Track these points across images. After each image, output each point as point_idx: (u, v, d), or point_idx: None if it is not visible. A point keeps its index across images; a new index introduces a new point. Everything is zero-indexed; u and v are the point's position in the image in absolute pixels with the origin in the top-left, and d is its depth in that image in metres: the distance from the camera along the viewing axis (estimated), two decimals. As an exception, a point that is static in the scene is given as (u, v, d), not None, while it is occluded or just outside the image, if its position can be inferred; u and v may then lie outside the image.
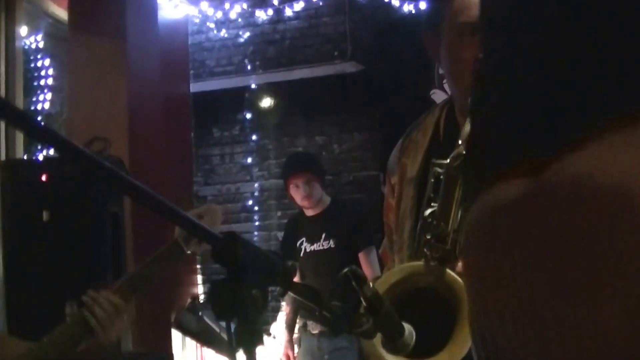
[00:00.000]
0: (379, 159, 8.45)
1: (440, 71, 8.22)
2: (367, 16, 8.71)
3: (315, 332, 5.89)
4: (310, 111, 8.84)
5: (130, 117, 5.72)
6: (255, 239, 8.90)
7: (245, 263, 1.32)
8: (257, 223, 9.07)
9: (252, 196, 9.13)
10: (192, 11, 8.88)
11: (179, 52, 7.64)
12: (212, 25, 9.28)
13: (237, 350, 1.25)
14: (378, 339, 1.93)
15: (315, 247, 5.91)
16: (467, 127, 2.09)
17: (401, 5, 8.45)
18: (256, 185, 9.13)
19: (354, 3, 8.80)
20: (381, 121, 8.49)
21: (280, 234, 7.67)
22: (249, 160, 9.19)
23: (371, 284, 1.69)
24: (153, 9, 6.51)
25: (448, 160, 2.10)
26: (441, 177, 2.11)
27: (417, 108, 2.76)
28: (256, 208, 9.14)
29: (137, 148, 5.64)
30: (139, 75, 5.98)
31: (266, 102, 9.15)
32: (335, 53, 8.80)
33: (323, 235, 5.88)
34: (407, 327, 1.85)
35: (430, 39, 2.41)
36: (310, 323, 5.94)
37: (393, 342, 1.83)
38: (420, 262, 2.12)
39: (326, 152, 8.77)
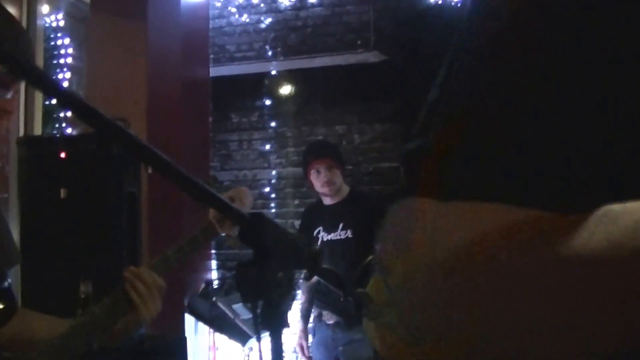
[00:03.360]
0: (399, 151, 8.38)
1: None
2: (391, 6, 8.63)
3: (331, 322, 5.85)
4: (331, 100, 8.77)
5: (149, 99, 5.69)
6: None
7: (271, 245, 1.30)
8: (273, 210, 9.00)
9: (269, 183, 9.07)
10: (214, -5, 8.83)
11: (200, 35, 7.59)
12: (233, 10, 9.23)
13: (255, 335, 1.21)
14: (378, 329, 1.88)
15: (332, 236, 5.86)
16: None
17: (427, -5, 8.36)
18: (274, 172, 9.07)
19: (378, -8, 8.70)
20: (403, 112, 8.40)
21: (296, 222, 7.61)
22: (267, 147, 9.13)
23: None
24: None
25: None
26: None
27: None
28: (273, 195, 9.08)
29: (155, 130, 5.61)
30: (159, 57, 5.95)
31: (286, 89, 9.07)
32: (358, 42, 8.74)
33: (341, 225, 5.82)
34: None
35: None
36: (325, 313, 5.89)
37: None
38: None
39: (346, 142, 8.70)
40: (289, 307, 5.38)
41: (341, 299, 1.65)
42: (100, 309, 2.49)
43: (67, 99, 1.04)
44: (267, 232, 1.30)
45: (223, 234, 3.06)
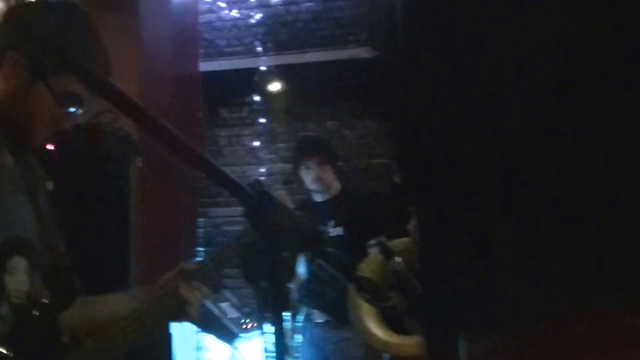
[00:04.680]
0: (392, 147, 8.33)
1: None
2: (383, 1, 8.57)
3: (320, 322, 5.79)
4: (322, 96, 8.72)
5: (140, 93, 5.64)
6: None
7: (277, 225, 1.28)
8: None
9: (259, 179, 8.98)
10: (204, -11, 8.78)
11: (190, 30, 7.54)
12: (223, 5, 9.16)
13: (239, 335, 1.22)
14: (373, 317, 1.90)
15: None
16: None
17: (420, -9, 8.27)
18: (263, 169, 8.99)
19: (370, -13, 8.63)
20: (395, 109, 8.34)
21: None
22: (257, 143, 9.06)
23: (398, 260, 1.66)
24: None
25: None
26: None
27: None
28: (262, 191, 8.99)
29: None
30: (150, 51, 5.93)
31: (277, 85, 9.01)
32: (350, 37, 8.69)
33: (332, 222, 5.76)
34: None
35: None
36: (315, 312, 5.83)
37: (415, 321, 1.80)
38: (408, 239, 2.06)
39: (337, 138, 8.64)
40: (291, 289, 5.39)
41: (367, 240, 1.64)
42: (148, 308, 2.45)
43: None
44: (274, 212, 1.28)
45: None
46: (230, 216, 8.78)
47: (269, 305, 1.24)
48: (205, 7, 9.08)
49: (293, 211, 1.32)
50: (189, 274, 2.53)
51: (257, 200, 1.28)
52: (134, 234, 4.65)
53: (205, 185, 8.53)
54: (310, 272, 5.84)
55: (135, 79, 5.64)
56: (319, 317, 5.79)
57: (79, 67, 0.99)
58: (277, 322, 1.25)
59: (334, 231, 5.74)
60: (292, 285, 5.80)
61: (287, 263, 1.21)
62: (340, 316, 5.64)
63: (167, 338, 4.88)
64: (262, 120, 9.07)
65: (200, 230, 8.72)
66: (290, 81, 8.92)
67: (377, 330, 1.91)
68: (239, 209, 5.09)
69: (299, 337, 5.95)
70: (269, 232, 1.26)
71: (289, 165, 7.33)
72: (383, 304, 1.63)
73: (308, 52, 8.80)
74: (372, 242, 1.53)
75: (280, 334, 1.25)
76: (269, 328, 1.27)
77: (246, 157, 9.11)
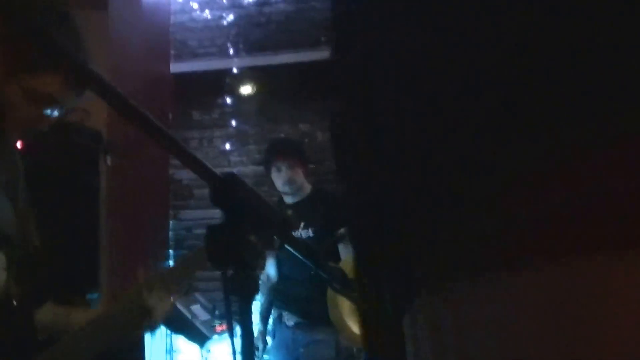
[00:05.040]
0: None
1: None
2: (357, 2, 8.54)
3: (291, 324, 5.77)
4: (294, 97, 8.68)
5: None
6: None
7: (244, 207, 1.26)
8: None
9: (230, 182, 8.92)
10: (175, -11, 8.75)
11: (161, 31, 7.51)
12: (195, 6, 9.11)
13: (210, 338, 1.19)
14: (347, 309, 1.89)
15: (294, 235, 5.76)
16: None
17: (392, -8, 8.27)
18: (234, 171, 8.93)
19: (344, -13, 8.58)
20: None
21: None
22: (228, 145, 9.01)
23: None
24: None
25: None
26: None
27: None
28: (232, 195, 8.94)
29: (115, 123, 5.54)
30: (121, 51, 5.90)
31: (249, 86, 8.96)
32: (322, 38, 8.66)
33: (302, 224, 5.74)
34: None
35: None
36: (285, 314, 5.81)
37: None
38: None
39: (309, 140, 8.61)
40: (259, 275, 5.35)
41: (312, 272, 1.61)
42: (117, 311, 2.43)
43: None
44: (240, 194, 1.26)
45: None
46: (201, 219, 8.73)
47: (235, 290, 1.20)
48: (177, 7, 9.05)
49: (260, 194, 1.29)
50: (153, 284, 2.50)
51: (223, 181, 1.26)
52: (104, 233, 4.62)
53: (176, 187, 8.50)
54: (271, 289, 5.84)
55: (105, 75, 5.61)
56: (290, 320, 5.77)
57: (69, 58, 0.97)
58: (244, 308, 1.21)
59: (304, 233, 5.72)
60: (261, 275, 5.79)
61: (255, 248, 1.17)
62: (311, 318, 5.62)
63: (139, 340, 4.83)
64: (234, 122, 9.02)
65: (171, 233, 8.69)
66: (263, 83, 8.88)
67: (354, 326, 1.89)
68: (211, 212, 5.12)
69: (269, 340, 5.93)
70: (234, 213, 1.23)
71: (260, 168, 7.29)
72: (354, 294, 1.60)
73: (280, 53, 8.76)
74: (340, 231, 1.51)
75: (246, 322, 1.21)
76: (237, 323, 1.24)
77: (217, 159, 9.06)
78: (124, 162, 5.24)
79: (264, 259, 5.68)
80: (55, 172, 4.26)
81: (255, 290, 1.23)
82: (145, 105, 5.08)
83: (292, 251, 1.47)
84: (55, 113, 2.39)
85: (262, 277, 5.89)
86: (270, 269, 5.90)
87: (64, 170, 4.29)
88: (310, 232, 5.71)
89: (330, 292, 1.69)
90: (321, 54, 8.56)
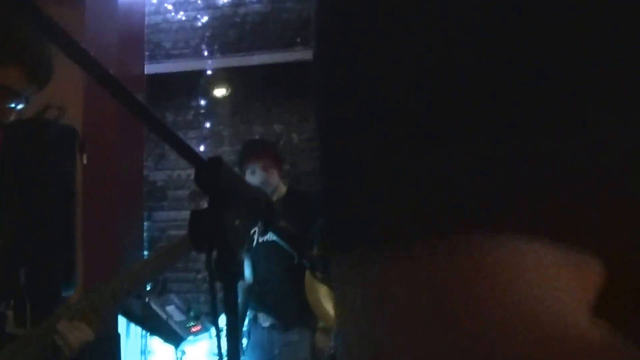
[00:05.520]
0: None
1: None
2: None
3: (266, 325, 5.76)
4: (269, 98, 8.67)
5: (83, 93, 5.60)
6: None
7: (229, 191, 1.26)
8: (206, 212, 8.85)
9: (204, 184, 8.89)
10: (150, -10, 8.72)
11: (135, 31, 7.48)
12: (170, 7, 9.10)
13: (185, 338, 1.18)
14: (325, 293, 1.89)
15: (268, 237, 5.74)
16: None
17: (368, -8, 8.29)
18: (209, 173, 8.91)
19: (318, -12, 8.59)
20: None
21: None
22: (202, 147, 8.99)
23: None
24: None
25: None
26: None
27: None
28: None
29: (90, 121, 5.53)
30: (95, 52, 5.86)
31: (223, 88, 8.94)
32: (298, 39, 8.66)
33: (275, 225, 5.71)
34: None
35: None
36: (260, 315, 5.80)
37: None
38: None
39: (284, 141, 8.61)
40: (243, 259, 5.32)
41: (295, 261, 1.60)
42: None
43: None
44: (225, 178, 1.25)
45: None
46: (175, 220, 8.72)
47: (219, 275, 1.19)
48: (152, 8, 9.02)
49: (244, 178, 1.29)
50: (72, 311, 2.48)
51: (208, 164, 1.26)
52: (79, 230, 4.61)
53: (150, 188, 8.47)
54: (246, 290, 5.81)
55: (79, 79, 5.61)
56: (265, 321, 5.76)
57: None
58: (228, 293, 1.20)
59: (277, 234, 5.70)
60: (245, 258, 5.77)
61: (239, 231, 1.16)
62: (286, 319, 5.62)
63: (114, 341, 4.82)
64: (208, 123, 8.99)
65: (145, 234, 8.66)
66: (237, 84, 8.86)
67: (332, 310, 1.88)
68: (184, 213, 5.10)
69: (244, 341, 5.92)
70: (219, 197, 1.23)
71: (235, 169, 7.28)
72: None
73: (255, 54, 8.75)
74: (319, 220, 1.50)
75: (231, 306, 1.20)
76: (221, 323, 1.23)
77: (192, 161, 9.03)
78: (100, 160, 5.22)
79: (248, 244, 5.68)
80: (30, 168, 4.25)
81: (239, 274, 1.22)
82: (119, 106, 5.10)
83: (276, 238, 1.45)
84: (19, 106, 2.37)
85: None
86: (246, 270, 5.88)
87: (39, 167, 4.27)
88: (284, 234, 5.69)
89: (308, 277, 1.69)
90: (296, 54, 8.56)
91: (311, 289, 1.85)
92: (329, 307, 1.88)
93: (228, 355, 1.25)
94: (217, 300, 1.22)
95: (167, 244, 2.90)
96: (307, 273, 1.73)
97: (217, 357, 1.23)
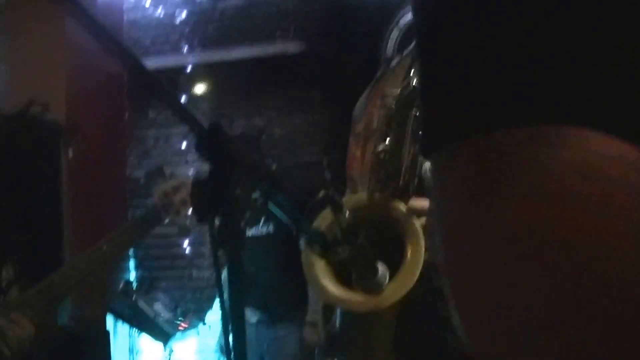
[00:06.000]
0: (321, 143, 8.32)
1: (388, 53, 8.16)
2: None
3: (253, 321, 5.74)
4: (251, 92, 8.65)
5: (66, 92, 5.60)
6: (189, 224, 8.72)
7: (229, 159, 1.25)
8: (190, 210, 8.81)
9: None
10: (128, -13, 8.69)
11: (114, 29, 7.46)
12: (148, 3, 9.06)
13: (173, 335, 1.17)
14: (322, 269, 1.89)
15: (253, 231, 5.75)
16: None
17: (348, -17, 8.30)
18: (192, 169, 8.90)
19: (298, -20, 8.60)
20: (324, 103, 8.34)
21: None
22: (185, 143, 8.96)
23: (347, 213, 1.63)
24: None
25: (399, 91, 2.04)
26: (393, 110, 2.05)
27: (361, 91, 2.63)
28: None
29: (74, 117, 5.52)
30: (75, 50, 5.89)
31: (204, 83, 8.92)
32: (278, 32, 8.64)
33: (261, 221, 5.72)
34: (381, 268, 1.84)
35: None
36: (248, 311, 5.77)
37: (365, 280, 1.81)
38: (365, 195, 2.06)
39: (266, 135, 8.58)
40: (245, 228, 5.32)
41: (293, 233, 1.62)
42: None
43: None
44: (226, 145, 1.24)
45: (167, 221, 3.08)
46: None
47: (221, 243, 1.18)
48: (130, 5, 8.99)
49: (244, 148, 1.26)
50: (10, 307, 2.47)
51: (208, 130, 1.25)
52: (66, 225, 4.61)
53: (133, 186, 8.44)
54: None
55: (61, 78, 5.60)
56: (252, 317, 5.74)
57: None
58: (232, 261, 1.19)
59: (264, 229, 5.70)
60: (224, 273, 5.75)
61: (240, 200, 1.17)
62: (273, 314, 5.61)
63: (103, 339, 4.82)
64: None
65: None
66: (218, 78, 8.84)
67: (331, 286, 1.87)
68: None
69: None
70: (219, 164, 1.22)
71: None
72: (333, 257, 1.60)
73: (235, 48, 8.72)
74: (321, 193, 1.53)
75: (236, 274, 1.19)
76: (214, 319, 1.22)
77: (174, 158, 9.01)
78: (83, 157, 5.22)
79: (250, 212, 5.69)
80: (16, 164, 4.24)
81: (243, 243, 1.21)
82: (101, 104, 5.11)
83: (274, 210, 1.44)
84: None
85: (224, 274, 5.86)
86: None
87: (24, 163, 4.26)
88: (270, 228, 5.69)
89: (305, 252, 1.70)
90: (276, 47, 8.55)
91: (308, 264, 1.85)
92: (326, 282, 1.88)
93: (233, 330, 1.29)
94: (221, 274, 1.26)
95: (111, 234, 2.94)
96: (304, 247, 1.73)
97: (223, 331, 1.21)
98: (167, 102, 1.20)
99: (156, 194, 3.33)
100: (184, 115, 1.21)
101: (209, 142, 1.24)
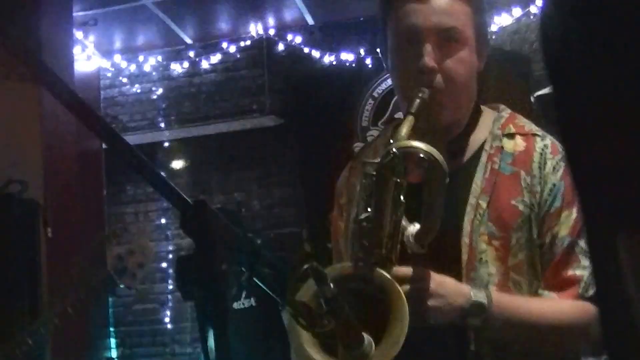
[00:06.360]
0: (301, 215, 8.35)
1: (363, 124, 8.25)
2: (286, 69, 8.65)
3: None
4: (228, 167, 8.69)
5: (43, 169, 5.60)
6: (170, 299, 8.70)
7: (215, 235, 1.25)
8: (171, 286, 8.81)
9: (167, 256, 8.86)
10: (104, 64, 8.75)
11: (92, 106, 7.48)
12: (125, 80, 9.13)
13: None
14: (308, 340, 1.91)
15: (236, 305, 5.75)
16: (404, 130, 2.08)
17: (321, 57, 8.40)
18: (171, 245, 8.88)
19: (272, 56, 8.71)
20: (302, 176, 8.38)
21: (198, 294, 7.46)
22: (164, 219, 8.96)
23: (332, 285, 1.65)
24: (69, 61, 6.49)
25: (379, 160, 2.03)
26: (373, 178, 2.04)
27: (339, 162, 2.65)
28: (171, 270, 8.88)
29: (52, 196, 5.51)
30: (52, 128, 5.89)
31: (182, 158, 8.95)
32: (254, 107, 8.71)
33: (243, 294, 5.72)
34: (367, 338, 1.83)
35: (382, 51, 2.46)
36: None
37: (351, 350, 1.80)
38: (349, 264, 2.07)
39: (245, 209, 8.60)
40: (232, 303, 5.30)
41: (280, 308, 1.63)
42: None
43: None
44: (210, 221, 1.23)
45: (122, 286, 3.08)
46: (140, 294, 8.67)
47: (209, 320, 1.19)
48: (107, 82, 9.07)
49: (229, 223, 1.28)
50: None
51: (193, 208, 1.23)
52: (44, 305, 4.58)
53: (113, 260, 8.40)
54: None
55: (38, 156, 5.60)
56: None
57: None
58: (219, 338, 1.19)
59: (247, 302, 5.70)
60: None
61: (227, 276, 1.18)
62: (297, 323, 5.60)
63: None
64: (169, 195, 8.94)
65: (110, 310, 8.60)
66: (195, 153, 8.88)
67: (318, 357, 1.88)
68: (149, 287, 5.00)
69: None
70: (204, 241, 1.21)
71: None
72: (319, 330, 1.62)
73: (212, 123, 8.78)
74: (305, 266, 1.53)
75: (223, 351, 1.19)
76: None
77: (154, 234, 8.99)
78: (61, 234, 5.20)
79: (236, 288, 5.69)
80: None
81: (227, 318, 1.23)
82: (79, 181, 5.09)
83: (260, 283, 1.46)
84: None
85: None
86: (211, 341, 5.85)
87: (2, 241, 4.25)
88: (252, 302, 5.70)
89: (291, 324, 1.71)
90: (253, 122, 8.61)
91: (294, 335, 1.86)
92: (312, 351, 1.88)
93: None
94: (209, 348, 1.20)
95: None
96: (289, 319, 1.74)
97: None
98: (150, 179, 1.19)
99: (109, 258, 3.36)
100: (168, 191, 1.22)
101: (194, 218, 1.23)
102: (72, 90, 1.18)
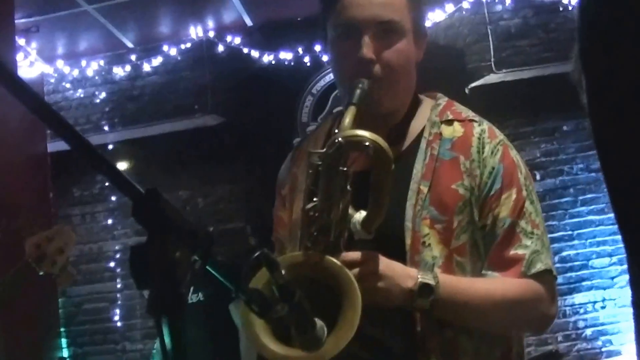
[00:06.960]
0: (244, 210, 8.45)
1: (303, 119, 8.35)
2: (226, 69, 8.71)
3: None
4: (173, 166, 8.71)
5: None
6: (119, 297, 8.72)
7: (168, 223, 1.23)
8: (119, 284, 8.84)
9: (115, 255, 8.90)
10: (47, 70, 8.74)
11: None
12: (68, 85, 9.14)
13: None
14: (261, 328, 1.92)
15: (192, 298, 5.78)
16: (347, 120, 2.13)
17: (261, 56, 8.53)
18: (119, 245, 8.92)
19: (212, 56, 8.81)
20: (245, 172, 8.45)
21: (146, 293, 7.50)
22: (110, 219, 8.99)
23: (283, 272, 1.66)
24: (12, 67, 6.43)
25: (325, 149, 2.08)
26: (319, 167, 2.09)
27: (280, 158, 2.75)
28: (119, 269, 8.91)
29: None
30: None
31: (127, 159, 8.97)
32: (196, 106, 8.77)
33: (191, 289, 5.76)
34: (319, 322, 1.84)
35: (323, 45, 2.53)
36: None
37: (304, 335, 1.82)
38: (299, 252, 2.12)
39: (190, 207, 8.66)
40: (187, 291, 5.33)
41: (233, 296, 1.63)
42: None
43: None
44: (163, 209, 1.23)
45: (42, 273, 2.99)
46: (89, 293, 8.70)
47: (161, 309, 1.18)
48: (50, 87, 9.07)
49: (181, 212, 1.29)
50: None
51: (145, 196, 1.23)
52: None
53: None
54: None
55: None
56: None
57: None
58: (173, 327, 1.19)
59: (194, 297, 5.75)
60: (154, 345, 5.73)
61: (180, 264, 1.17)
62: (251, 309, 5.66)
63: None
64: (114, 197, 9.00)
65: (61, 310, 8.58)
66: (140, 154, 8.89)
67: (271, 344, 1.92)
68: (99, 286, 5.11)
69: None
70: (157, 229, 1.21)
71: (144, 239, 7.31)
72: (272, 316, 1.62)
73: (155, 124, 8.84)
74: (257, 254, 1.56)
75: (177, 339, 1.19)
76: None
77: (101, 234, 9.01)
78: (9, 237, 5.20)
79: (191, 276, 5.73)
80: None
81: (183, 308, 1.20)
82: (26, 185, 5.15)
83: (212, 272, 1.43)
84: None
85: (156, 346, 5.87)
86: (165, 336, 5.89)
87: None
88: (200, 296, 5.74)
89: (243, 311, 1.69)
90: (195, 121, 8.66)
91: (247, 323, 1.87)
92: (266, 340, 1.92)
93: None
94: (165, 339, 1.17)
95: None
96: (243, 307, 1.74)
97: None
98: (102, 170, 1.20)
99: (27, 247, 3.24)
100: (120, 181, 1.26)
101: (146, 207, 1.22)
102: (35, 92, 1.17)
